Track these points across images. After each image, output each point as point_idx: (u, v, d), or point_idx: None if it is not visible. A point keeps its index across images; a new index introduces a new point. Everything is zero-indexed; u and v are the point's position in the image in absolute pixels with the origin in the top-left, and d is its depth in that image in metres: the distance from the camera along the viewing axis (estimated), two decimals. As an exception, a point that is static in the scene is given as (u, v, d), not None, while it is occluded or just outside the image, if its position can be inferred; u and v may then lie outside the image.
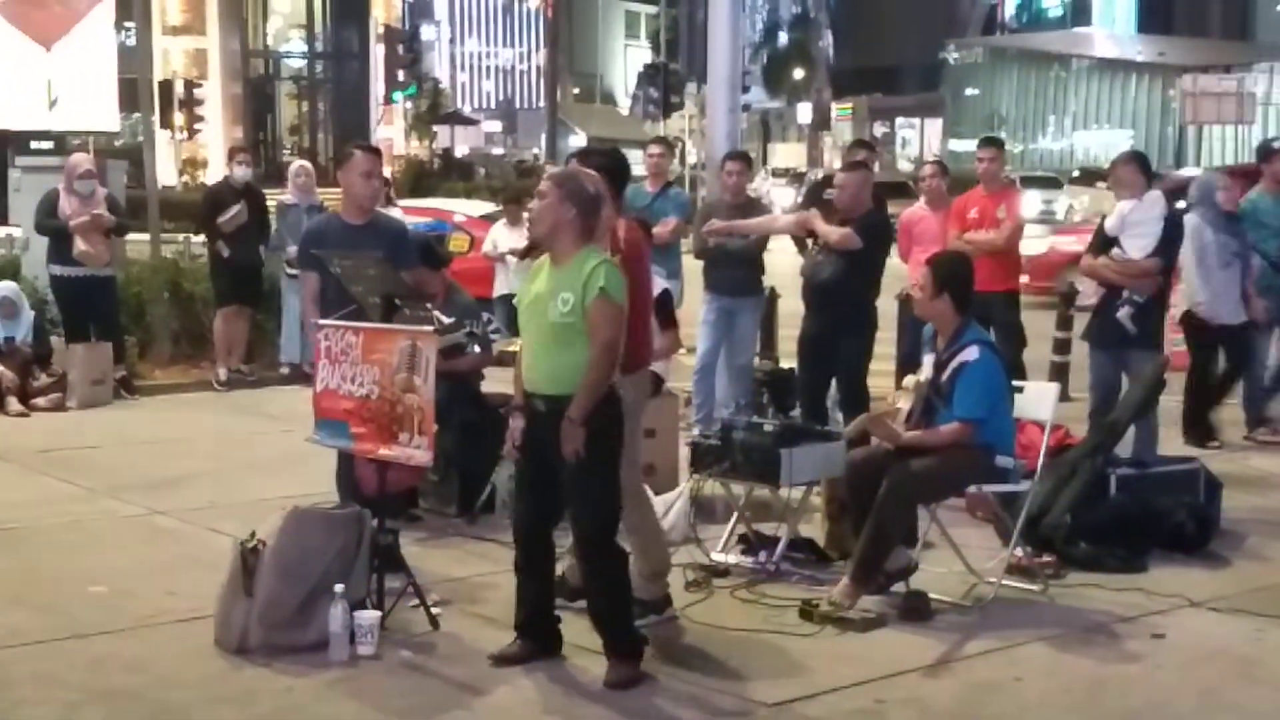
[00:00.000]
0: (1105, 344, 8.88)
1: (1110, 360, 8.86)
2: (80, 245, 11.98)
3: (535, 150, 62.52)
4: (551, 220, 5.69)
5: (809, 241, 9.02)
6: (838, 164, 11.75)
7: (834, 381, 9.07)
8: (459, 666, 5.81)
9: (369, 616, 5.89)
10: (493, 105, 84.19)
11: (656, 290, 8.52)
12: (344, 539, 6.05)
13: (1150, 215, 8.73)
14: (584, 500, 5.66)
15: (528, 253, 9.25)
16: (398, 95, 49.83)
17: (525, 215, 5.36)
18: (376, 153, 7.64)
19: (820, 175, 11.20)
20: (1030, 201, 34.16)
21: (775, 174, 58.47)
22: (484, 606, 6.50)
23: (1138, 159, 9.19)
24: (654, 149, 11.81)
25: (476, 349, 8.49)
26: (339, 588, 5.81)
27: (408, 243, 7.62)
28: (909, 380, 6.94)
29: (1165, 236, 8.73)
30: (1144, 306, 8.67)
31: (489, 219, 15.33)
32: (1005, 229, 10.27)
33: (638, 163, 10.68)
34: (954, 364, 6.69)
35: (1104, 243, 8.88)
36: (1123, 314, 8.64)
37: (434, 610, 6.24)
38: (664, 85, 43.69)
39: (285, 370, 13.17)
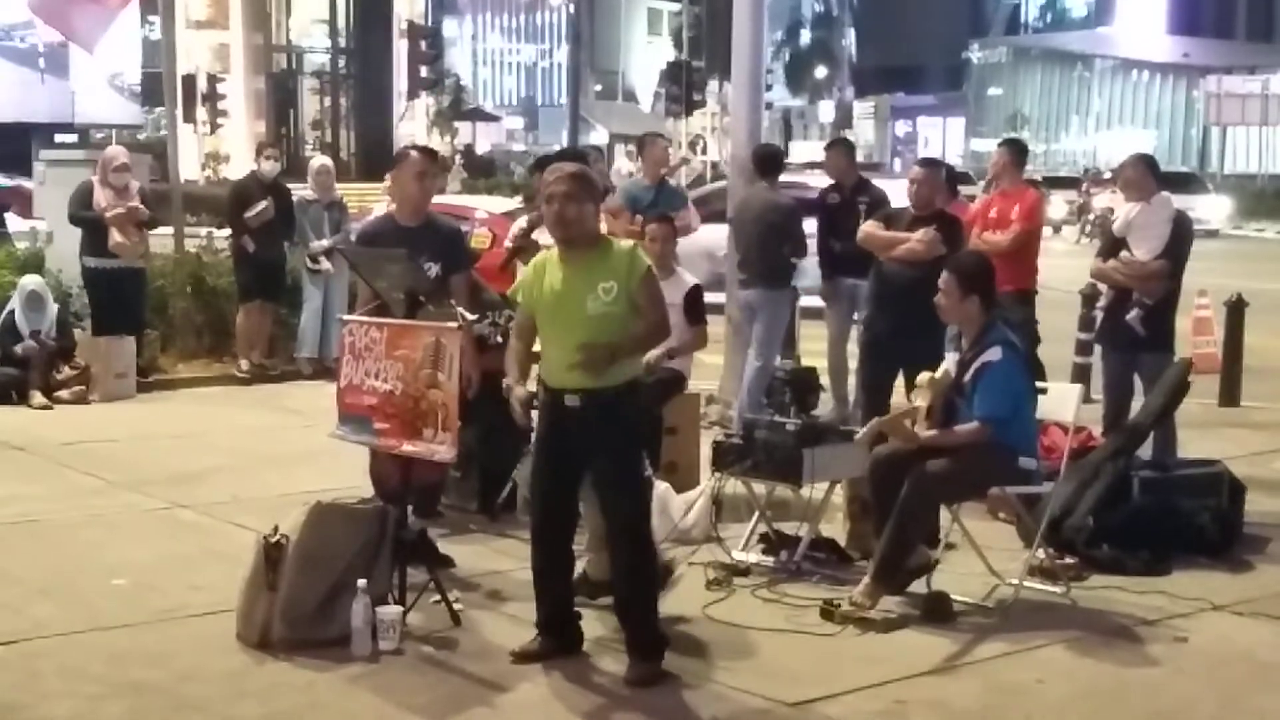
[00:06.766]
0: (1116, 346, 8.84)
1: (1122, 362, 8.81)
2: (116, 237, 12.04)
3: (556, 146, 62.49)
4: (587, 217, 5.71)
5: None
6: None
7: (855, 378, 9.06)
8: (480, 663, 5.81)
9: (391, 612, 5.91)
10: (514, 102, 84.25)
11: (688, 286, 8.56)
12: (367, 534, 6.07)
13: (1158, 218, 8.65)
14: (623, 489, 5.69)
15: (514, 255, 9.04)
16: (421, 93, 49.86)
17: (538, 216, 5.39)
18: (431, 155, 7.56)
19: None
20: (1054, 202, 34.16)
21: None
22: (505, 603, 6.51)
23: (1146, 161, 9.11)
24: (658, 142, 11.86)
25: (500, 340, 8.49)
26: (361, 583, 5.83)
27: (461, 246, 7.55)
28: (923, 377, 6.87)
29: (1173, 239, 8.67)
30: (1153, 309, 8.60)
31: (510, 215, 15.35)
32: (1012, 230, 10.12)
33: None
34: (976, 364, 6.67)
35: (1113, 245, 8.84)
36: (1132, 316, 8.56)
37: (456, 606, 6.25)
38: (686, 82, 43.56)
39: (308, 369, 13.18)
